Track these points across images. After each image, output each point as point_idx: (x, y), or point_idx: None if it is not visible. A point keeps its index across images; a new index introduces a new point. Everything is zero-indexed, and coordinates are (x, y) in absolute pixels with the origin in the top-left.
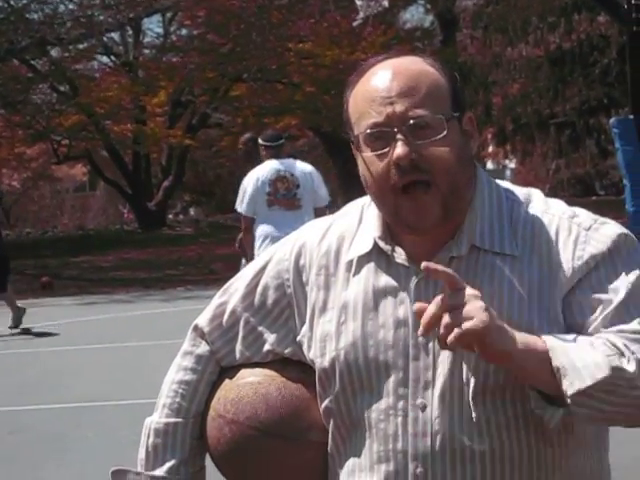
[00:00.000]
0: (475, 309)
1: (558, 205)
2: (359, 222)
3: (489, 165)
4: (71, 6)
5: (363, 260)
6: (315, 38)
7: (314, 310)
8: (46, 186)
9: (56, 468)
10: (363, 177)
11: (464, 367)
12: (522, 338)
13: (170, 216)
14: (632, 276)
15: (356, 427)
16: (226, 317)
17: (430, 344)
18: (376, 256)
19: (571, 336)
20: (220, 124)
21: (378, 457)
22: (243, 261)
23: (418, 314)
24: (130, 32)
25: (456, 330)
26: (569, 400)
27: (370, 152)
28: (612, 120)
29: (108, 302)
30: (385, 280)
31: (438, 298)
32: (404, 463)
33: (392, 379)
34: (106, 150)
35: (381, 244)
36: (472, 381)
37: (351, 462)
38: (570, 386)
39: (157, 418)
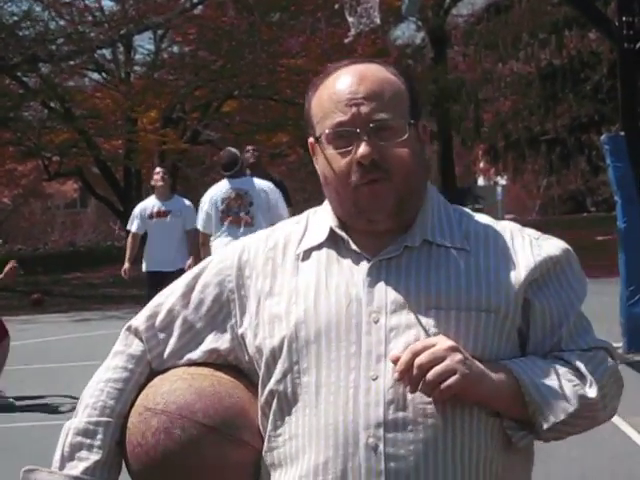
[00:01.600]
0: (455, 363)
1: (506, 221)
2: (306, 225)
3: (480, 181)
4: (62, 23)
5: (314, 250)
6: (306, 53)
7: (259, 297)
8: (37, 203)
9: None
10: (322, 174)
11: (419, 341)
12: (496, 376)
13: None
14: (581, 293)
15: (302, 406)
16: (162, 316)
17: (382, 320)
18: (329, 244)
19: (537, 362)
20: (211, 141)
21: (326, 432)
22: None
23: (393, 362)
24: (121, 49)
25: (442, 386)
26: (544, 432)
27: (333, 149)
28: (603, 137)
29: (99, 319)
30: (338, 265)
31: (413, 346)
32: (354, 433)
33: (343, 353)
34: (97, 167)
35: (337, 231)
36: None
37: (294, 448)
38: (545, 421)
39: (78, 419)
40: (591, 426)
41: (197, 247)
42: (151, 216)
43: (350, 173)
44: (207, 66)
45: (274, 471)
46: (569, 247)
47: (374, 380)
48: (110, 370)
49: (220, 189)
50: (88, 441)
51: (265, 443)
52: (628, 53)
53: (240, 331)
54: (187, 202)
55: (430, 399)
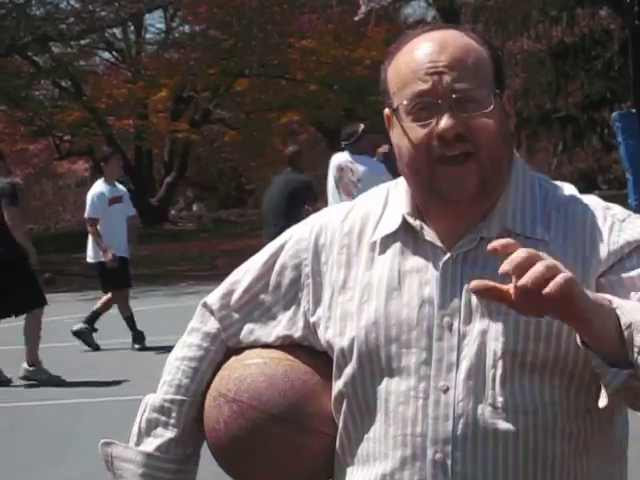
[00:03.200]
0: (556, 263)
1: (592, 197)
2: (384, 204)
3: None
4: (73, 2)
5: (389, 240)
6: (317, 35)
7: (333, 289)
8: (48, 182)
9: (57, 464)
10: (397, 147)
11: (491, 350)
12: (590, 294)
13: (173, 212)
14: None
15: (371, 411)
16: (238, 295)
17: (455, 325)
18: (403, 234)
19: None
20: (222, 120)
21: (394, 442)
22: None
23: (476, 291)
24: (132, 28)
25: (555, 281)
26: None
27: (412, 122)
28: (614, 114)
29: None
30: (412, 259)
31: (512, 257)
32: (422, 448)
33: (414, 360)
34: (108, 146)
35: (410, 220)
36: (500, 365)
37: (365, 450)
38: None
39: (155, 395)
40: None
41: (136, 233)
42: (110, 201)
43: (428, 146)
44: (218, 45)
45: (345, 468)
46: None
47: (444, 392)
48: (186, 347)
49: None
50: (163, 418)
51: (337, 440)
52: (639, 30)
53: (312, 320)
54: (124, 188)
55: (501, 417)
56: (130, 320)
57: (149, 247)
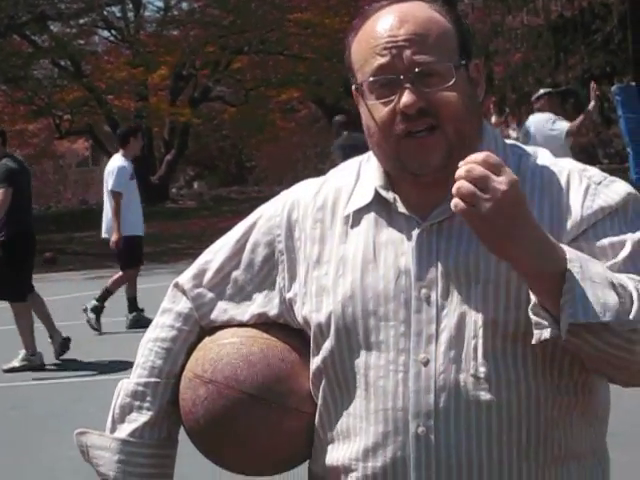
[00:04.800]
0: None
1: (569, 160)
2: (357, 177)
3: None
4: None
5: (362, 212)
6: (313, 8)
7: (308, 264)
8: (49, 162)
9: (58, 443)
10: (366, 125)
11: (472, 320)
12: (546, 236)
13: (173, 190)
14: (638, 234)
15: (351, 387)
16: (211, 274)
17: (433, 296)
18: (376, 207)
19: (597, 266)
20: (222, 97)
21: (375, 417)
22: None
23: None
24: (130, 6)
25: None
26: (565, 327)
27: (375, 99)
28: (614, 87)
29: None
30: (386, 231)
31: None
32: (404, 422)
33: (392, 333)
34: (108, 125)
35: (383, 193)
36: (481, 335)
37: (345, 426)
38: (572, 317)
39: (129, 379)
40: (622, 355)
41: None
42: (132, 177)
43: (393, 123)
44: (216, 22)
45: (325, 445)
46: (633, 191)
47: (425, 365)
48: (158, 328)
49: None
50: (137, 403)
51: (316, 416)
52: (639, 3)
53: (288, 296)
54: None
55: (484, 388)
56: (133, 302)
57: (150, 225)
